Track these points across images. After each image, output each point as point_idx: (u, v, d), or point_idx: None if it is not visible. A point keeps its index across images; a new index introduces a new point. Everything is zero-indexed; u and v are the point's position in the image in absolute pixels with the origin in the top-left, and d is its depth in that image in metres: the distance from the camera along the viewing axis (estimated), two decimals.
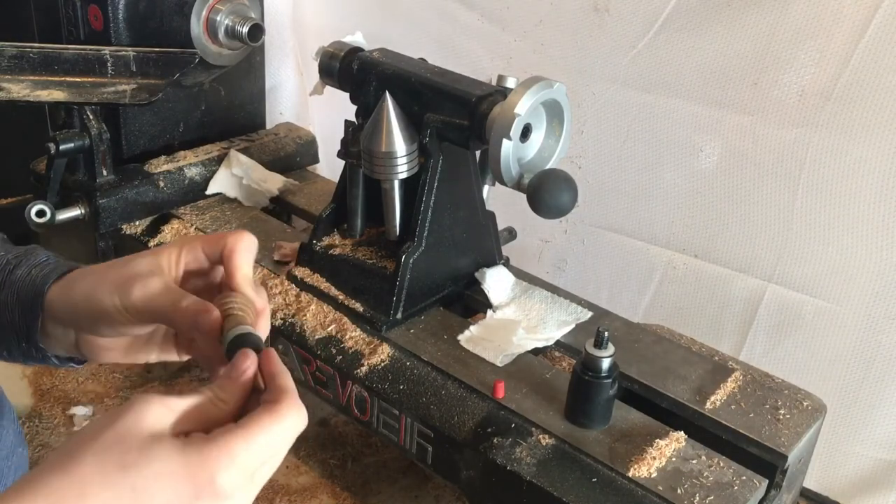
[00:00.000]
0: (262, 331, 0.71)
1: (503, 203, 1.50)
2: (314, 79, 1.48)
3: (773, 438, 1.16)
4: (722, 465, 1.11)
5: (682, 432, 1.15)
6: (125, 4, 1.63)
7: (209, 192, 1.76)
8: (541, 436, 1.15)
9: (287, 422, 0.61)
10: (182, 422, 0.60)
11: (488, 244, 1.49)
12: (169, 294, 0.70)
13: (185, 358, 0.79)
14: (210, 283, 0.76)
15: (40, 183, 1.65)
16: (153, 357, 0.78)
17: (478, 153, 1.40)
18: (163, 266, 0.73)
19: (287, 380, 0.63)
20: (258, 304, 0.72)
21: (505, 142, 1.18)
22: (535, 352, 1.32)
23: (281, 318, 1.40)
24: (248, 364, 0.64)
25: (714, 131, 1.60)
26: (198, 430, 0.60)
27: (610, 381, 1.12)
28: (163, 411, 0.59)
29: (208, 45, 1.74)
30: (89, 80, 1.61)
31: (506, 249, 1.55)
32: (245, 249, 0.72)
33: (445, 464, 1.21)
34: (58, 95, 1.56)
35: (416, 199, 1.34)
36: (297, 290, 1.44)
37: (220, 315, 0.68)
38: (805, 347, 1.60)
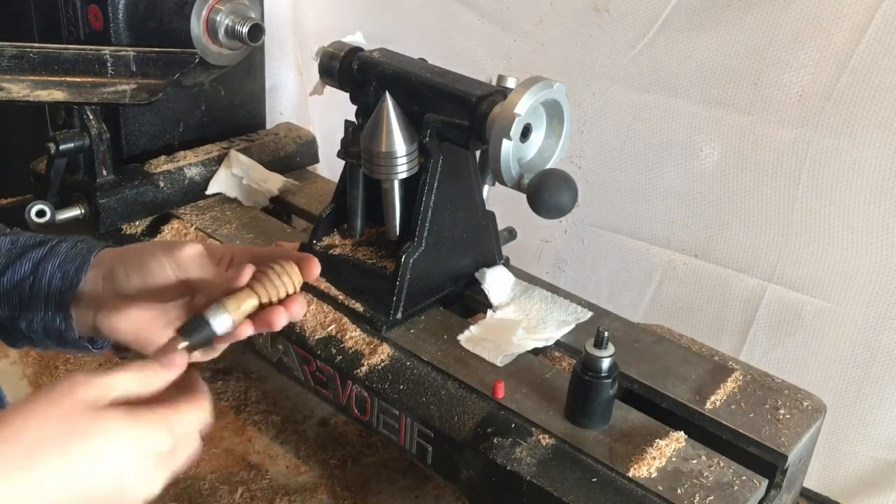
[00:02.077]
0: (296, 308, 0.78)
1: (503, 203, 1.50)
2: (314, 79, 1.48)
3: (773, 438, 1.16)
4: (722, 465, 1.11)
5: (682, 432, 1.15)
6: (125, 4, 1.63)
7: (209, 192, 1.76)
8: (541, 436, 1.15)
9: (200, 414, 0.70)
10: (113, 396, 0.65)
11: (488, 244, 1.49)
12: (209, 263, 0.80)
13: (192, 358, 0.80)
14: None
15: (40, 183, 1.65)
16: (161, 343, 0.79)
17: (478, 153, 1.40)
18: (213, 251, 0.82)
19: (200, 382, 0.73)
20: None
21: (505, 142, 1.18)
22: (535, 352, 1.32)
23: None
24: (178, 362, 0.71)
25: (714, 131, 1.60)
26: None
27: (610, 381, 1.12)
28: (98, 386, 0.64)
29: (208, 45, 1.74)
30: (89, 80, 1.61)
31: (506, 249, 1.55)
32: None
33: (445, 464, 1.21)
34: (58, 95, 1.56)
35: (416, 199, 1.34)
36: None
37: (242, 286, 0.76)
38: (805, 347, 1.60)
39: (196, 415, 0.69)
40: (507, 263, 1.52)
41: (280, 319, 0.77)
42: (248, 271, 0.76)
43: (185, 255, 0.79)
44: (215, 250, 0.83)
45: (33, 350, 1.82)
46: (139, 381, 0.67)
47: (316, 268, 0.80)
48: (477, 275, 1.46)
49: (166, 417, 0.66)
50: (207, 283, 0.79)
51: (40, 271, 0.82)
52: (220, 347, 0.81)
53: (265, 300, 0.77)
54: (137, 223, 1.69)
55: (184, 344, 0.73)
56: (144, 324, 0.80)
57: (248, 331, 0.77)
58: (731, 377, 1.27)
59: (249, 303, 0.77)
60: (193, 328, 0.74)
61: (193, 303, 0.81)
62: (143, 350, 0.80)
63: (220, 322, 0.75)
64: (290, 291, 0.78)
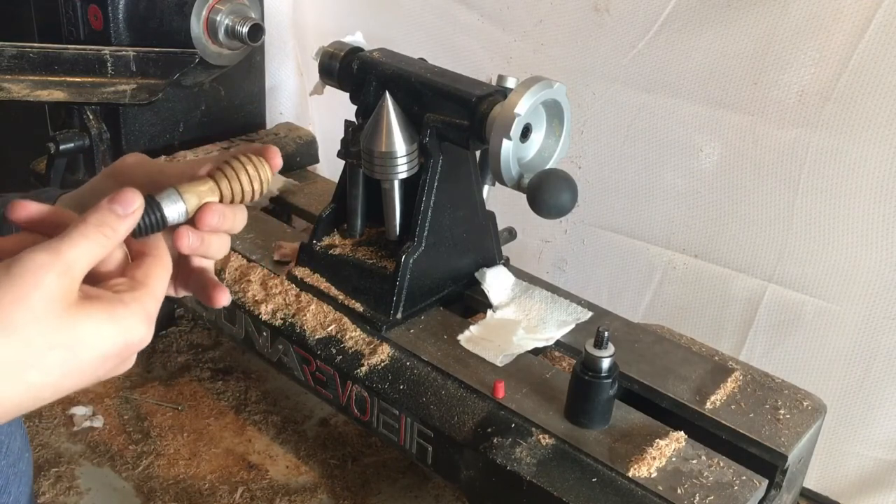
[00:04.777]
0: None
1: (503, 203, 1.50)
2: (314, 79, 1.48)
3: (773, 438, 1.16)
4: (722, 465, 1.11)
5: (682, 432, 1.15)
6: (125, 4, 1.63)
7: None
8: (541, 436, 1.15)
9: (168, 272, 0.66)
10: (80, 273, 0.60)
11: (488, 244, 1.49)
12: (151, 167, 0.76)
13: (180, 294, 0.78)
14: None
15: (40, 183, 1.65)
16: None
17: (478, 153, 1.40)
18: (162, 169, 0.77)
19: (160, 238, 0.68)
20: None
21: (505, 142, 1.18)
22: (535, 352, 1.32)
23: (281, 318, 1.40)
24: (133, 199, 0.64)
25: (714, 131, 1.60)
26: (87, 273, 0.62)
27: (610, 381, 1.12)
28: (62, 269, 0.58)
29: (208, 45, 1.74)
30: (89, 80, 1.61)
31: (506, 249, 1.55)
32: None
33: (445, 464, 1.21)
34: (58, 95, 1.56)
35: (416, 199, 1.34)
36: (297, 290, 1.44)
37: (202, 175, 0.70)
38: (805, 347, 1.60)
39: (165, 276, 0.65)
40: (507, 263, 1.52)
41: (214, 217, 0.70)
42: (207, 164, 0.71)
43: (125, 164, 0.75)
44: (162, 168, 0.77)
45: None
46: (100, 244, 0.62)
47: (277, 157, 0.74)
48: (477, 275, 1.46)
49: (144, 305, 0.62)
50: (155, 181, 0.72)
51: (4, 231, 0.77)
52: (221, 300, 0.74)
53: (227, 193, 0.69)
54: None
55: (141, 205, 0.64)
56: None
57: (188, 237, 0.70)
58: (731, 377, 1.27)
59: (203, 187, 0.68)
60: (147, 200, 0.66)
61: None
62: None
63: (172, 201, 0.67)
64: (257, 188, 0.71)
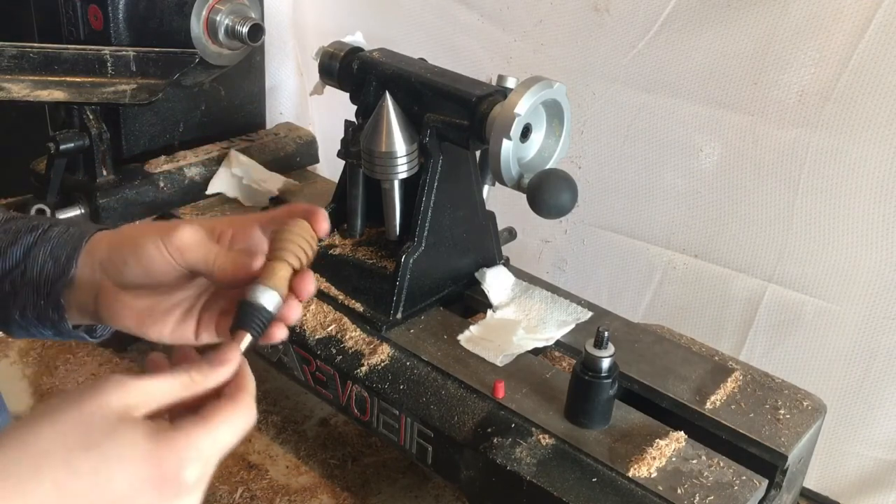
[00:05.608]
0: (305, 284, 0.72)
1: (503, 203, 1.50)
2: (314, 79, 1.48)
3: (773, 438, 1.16)
4: (722, 465, 1.11)
5: (682, 432, 1.15)
6: (125, 4, 1.63)
7: (209, 192, 1.76)
8: (541, 436, 1.15)
9: (244, 420, 0.62)
10: (150, 403, 0.59)
11: (488, 244, 1.49)
12: (212, 244, 0.73)
13: (201, 341, 0.76)
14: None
15: (40, 183, 1.65)
16: (167, 331, 0.75)
17: (478, 153, 1.40)
18: (214, 228, 0.75)
19: (249, 380, 0.65)
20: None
21: (505, 142, 1.18)
22: (535, 352, 1.32)
23: None
24: (232, 357, 0.64)
25: (714, 131, 1.60)
26: (163, 412, 0.60)
27: (610, 381, 1.12)
28: (132, 394, 0.58)
29: (208, 45, 1.74)
30: (89, 80, 1.61)
31: (506, 249, 1.55)
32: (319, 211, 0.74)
33: (445, 464, 1.21)
34: (58, 95, 1.56)
35: (416, 199, 1.34)
36: None
37: (262, 264, 0.70)
38: (805, 347, 1.60)
39: (236, 423, 0.61)
40: (507, 263, 1.52)
41: (311, 285, 0.71)
42: (259, 259, 0.70)
43: (184, 242, 0.72)
44: (214, 227, 0.76)
45: (32, 339, 1.81)
46: (184, 385, 0.61)
47: (325, 221, 0.74)
48: (477, 275, 1.46)
49: (196, 441, 0.58)
50: (210, 265, 0.73)
51: (31, 258, 0.78)
52: (279, 335, 0.73)
53: (296, 266, 0.71)
54: (137, 223, 1.69)
55: (248, 339, 0.66)
56: (146, 310, 0.75)
57: (296, 310, 0.71)
58: (731, 377, 1.27)
59: (284, 271, 0.70)
60: (246, 316, 0.67)
61: (198, 282, 0.76)
62: (145, 337, 0.75)
63: (269, 298, 0.68)
64: (310, 253, 0.72)
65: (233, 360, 0.65)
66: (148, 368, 0.65)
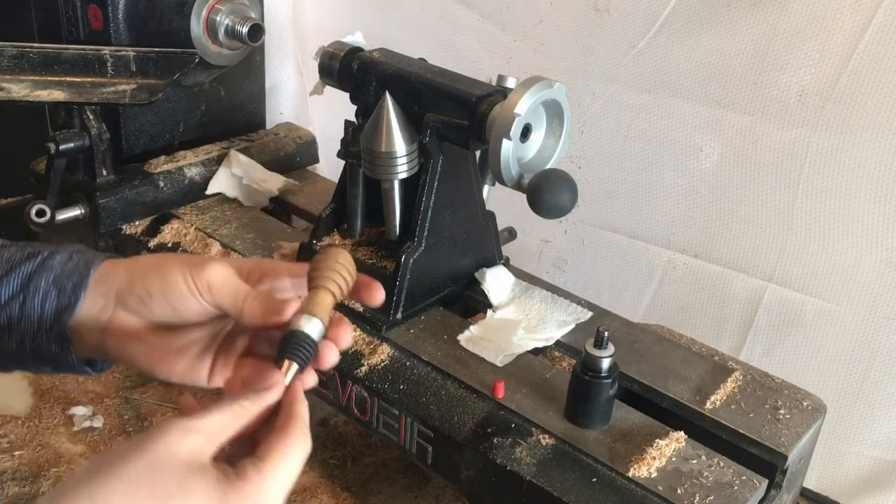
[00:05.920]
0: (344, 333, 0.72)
1: (503, 203, 1.50)
2: (314, 79, 1.48)
3: (773, 438, 1.16)
4: (722, 465, 1.11)
5: (682, 432, 1.15)
6: (125, 4, 1.63)
7: (209, 192, 1.76)
8: (541, 436, 1.15)
9: (301, 451, 0.62)
10: (213, 445, 0.59)
11: (488, 244, 1.49)
12: (241, 284, 0.71)
13: (212, 384, 0.74)
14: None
15: (40, 183, 1.65)
16: (177, 371, 0.73)
17: (478, 153, 1.40)
18: (242, 268, 0.73)
19: (299, 407, 0.64)
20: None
21: (505, 142, 1.18)
22: (535, 352, 1.32)
23: None
24: (276, 382, 0.64)
25: (714, 131, 1.60)
26: (223, 448, 0.60)
27: (610, 381, 1.12)
28: (195, 438, 0.58)
29: (208, 45, 1.74)
30: (89, 80, 1.61)
31: (506, 249, 1.55)
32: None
33: (445, 464, 1.21)
34: (58, 95, 1.56)
35: (416, 199, 1.34)
36: None
37: (293, 312, 0.68)
38: (805, 347, 1.60)
39: (294, 457, 0.61)
40: (507, 263, 1.52)
41: (349, 335, 0.72)
42: (291, 307, 0.69)
43: (213, 279, 0.69)
44: (242, 267, 0.74)
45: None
46: (236, 415, 0.61)
47: (381, 293, 0.74)
48: (477, 275, 1.46)
49: (261, 486, 0.58)
50: (238, 307, 0.70)
51: (32, 288, 0.72)
52: (333, 362, 0.72)
53: (338, 295, 0.71)
54: (137, 223, 1.69)
55: (294, 367, 0.65)
56: (160, 346, 0.72)
57: (347, 335, 0.71)
58: (731, 377, 1.27)
59: (327, 300, 0.69)
60: (291, 345, 0.66)
61: (215, 322, 0.74)
62: (151, 374, 0.73)
63: (313, 327, 0.67)
64: (350, 282, 0.73)
65: (277, 385, 0.64)
66: (182, 412, 0.64)
